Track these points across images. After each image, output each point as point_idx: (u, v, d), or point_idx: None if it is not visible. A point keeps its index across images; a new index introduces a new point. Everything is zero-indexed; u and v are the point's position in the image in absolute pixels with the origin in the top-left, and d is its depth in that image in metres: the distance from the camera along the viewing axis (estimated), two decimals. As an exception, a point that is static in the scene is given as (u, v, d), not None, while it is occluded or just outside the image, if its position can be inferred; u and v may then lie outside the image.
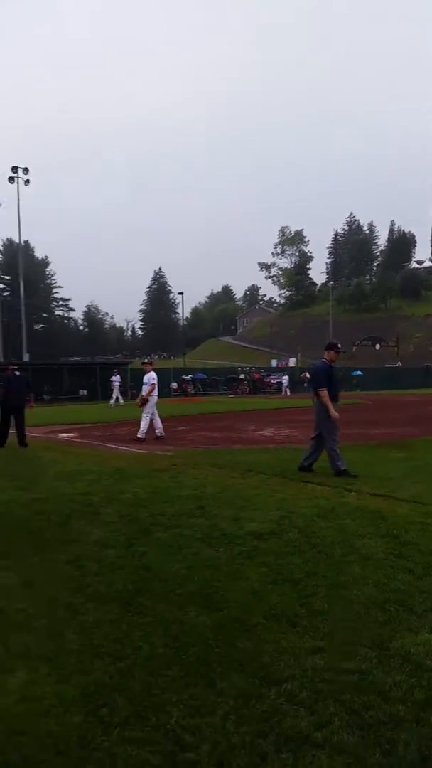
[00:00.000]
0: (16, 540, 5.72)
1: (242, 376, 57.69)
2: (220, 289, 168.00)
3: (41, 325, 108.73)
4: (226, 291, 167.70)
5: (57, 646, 3.51)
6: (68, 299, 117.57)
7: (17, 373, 14.16)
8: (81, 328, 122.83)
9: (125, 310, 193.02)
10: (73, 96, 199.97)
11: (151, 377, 14.58)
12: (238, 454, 11.68)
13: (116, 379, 35.77)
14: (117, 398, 34.94)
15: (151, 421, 14.46)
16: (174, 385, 50.67)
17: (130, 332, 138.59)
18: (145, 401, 14.35)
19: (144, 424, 14.31)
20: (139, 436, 14.17)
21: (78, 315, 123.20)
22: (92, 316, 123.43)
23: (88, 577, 4.65)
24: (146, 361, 16.15)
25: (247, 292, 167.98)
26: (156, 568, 4.80)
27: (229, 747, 2.53)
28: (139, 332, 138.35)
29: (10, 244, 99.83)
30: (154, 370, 15.18)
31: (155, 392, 14.56)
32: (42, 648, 3.48)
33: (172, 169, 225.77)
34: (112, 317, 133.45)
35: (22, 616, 3.95)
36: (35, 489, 8.21)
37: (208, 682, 3.06)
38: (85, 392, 46.40)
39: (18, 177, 54.41)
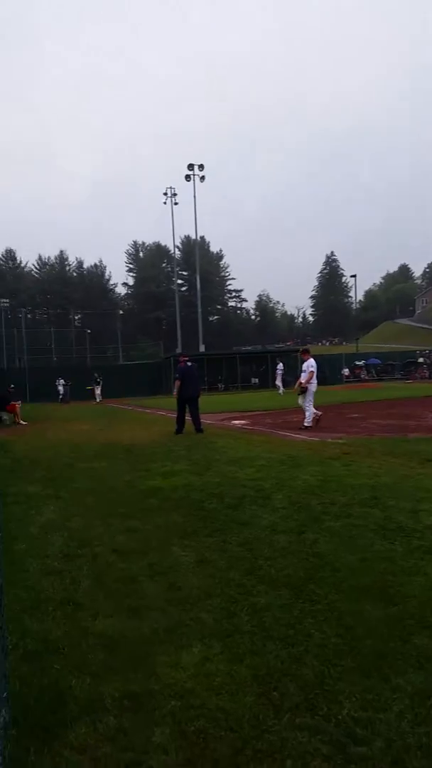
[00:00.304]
0: (193, 521, 6.02)
1: (421, 359, 54.64)
2: (396, 269, 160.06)
3: (215, 317, 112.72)
4: (403, 270, 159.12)
5: (230, 625, 3.62)
6: (240, 290, 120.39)
7: (189, 363, 14.99)
8: (253, 317, 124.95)
9: (296, 297, 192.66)
10: (241, 89, 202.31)
11: (309, 365, 14.31)
12: (416, 442, 11.06)
13: (280, 367, 35.94)
14: (279, 386, 35.09)
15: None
16: (346, 371, 49.61)
17: (300, 319, 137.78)
18: (304, 389, 14.21)
19: (309, 413, 14.20)
20: (305, 424, 14.09)
21: (250, 305, 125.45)
22: (263, 305, 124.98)
23: (260, 560, 4.74)
24: (302, 349, 15.91)
25: (427, 270, 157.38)
26: (328, 556, 4.74)
27: (404, 746, 2.41)
28: (310, 318, 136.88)
29: (187, 240, 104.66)
30: (316, 356, 14.94)
31: (314, 380, 14.35)
32: (215, 626, 3.62)
33: (342, 150, 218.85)
34: (283, 305, 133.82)
35: (197, 593, 4.14)
36: (209, 473, 8.57)
37: (382, 676, 2.95)
38: (256, 380, 47.35)
39: (194, 174, 56.80)
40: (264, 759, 2.41)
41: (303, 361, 14.80)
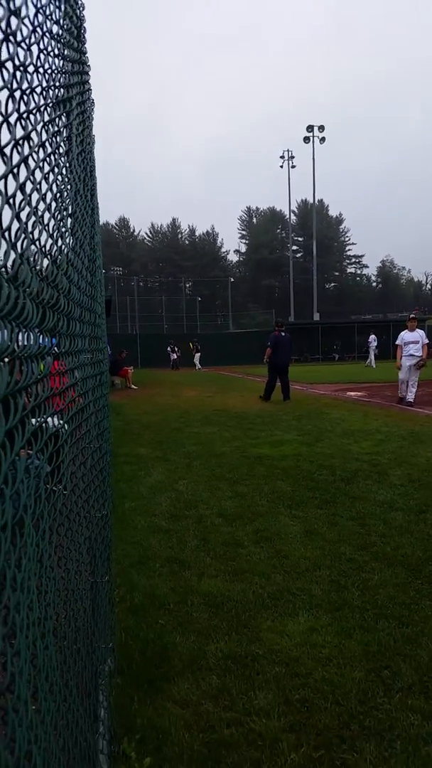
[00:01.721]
0: (302, 491, 5.91)
1: None
2: None
3: (332, 284, 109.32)
4: None
5: (339, 598, 3.50)
6: (361, 256, 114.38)
7: (283, 333, 15.09)
8: (374, 284, 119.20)
9: (425, 263, 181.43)
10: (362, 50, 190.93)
11: (422, 336, 13.06)
12: None
13: (372, 339, 34.16)
14: (370, 360, 33.41)
15: (406, 384, 13.22)
16: None
17: (429, 286, 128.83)
18: (423, 364, 12.96)
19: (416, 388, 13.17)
20: (411, 399, 13.11)
21: (371, 271, 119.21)
22: (387, 271, 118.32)
23: (373, 536, 4.55)
24: (412, 317, 14.18)
25: None
26: (451, 539, 4.46)
27: None
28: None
29: (304, 204, 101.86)
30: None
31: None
32: (324, 598, 3.52)
33: None
34: (409, 271, 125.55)
35: (305, 563, 4.05)
36: (321, 445, 8.38)
37: None
38: (376, 350, 45.54)
39: (314, 136, 55.08)
40: (371, 737, 2.31)
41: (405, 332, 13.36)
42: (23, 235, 0.84)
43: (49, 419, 1.27)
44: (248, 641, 3.04)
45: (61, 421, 1.52)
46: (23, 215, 0.84)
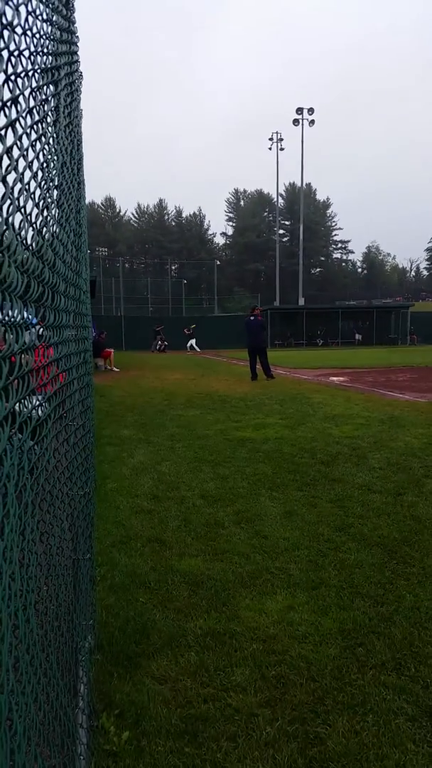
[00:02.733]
0: (282, 473, 5.96)
1: None
2: None
3: (318, 269, 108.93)
4: None
5: (316, 577, 3.56)
6: (347, 241, 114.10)
7: (251, 318, 16.54)
8: (359, 270, 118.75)
9: (409, 249, 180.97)
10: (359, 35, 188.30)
11: None
12: None
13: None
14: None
15: None
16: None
17: (413, 273, 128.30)
18: None
19: None
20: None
21: (357, 257, 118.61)
22: (372, 257, 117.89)
23: (351, 518, 4.61)
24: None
25: None
26: (427, 521, 4.52)
27: None
28: (424, 272, 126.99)
29: (292, 188, 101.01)
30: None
31: None
32: (301, 577, 3.57)
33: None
34: (394, 258, 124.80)
35: (284, 543, 4.10)
36: (302, 428, 8.43)
37: None
38: (359, 336, 45.65)
39: (303, 118, 54.60)
40: (344, 711, 2.36)
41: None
42: (8, 200, 0.83)
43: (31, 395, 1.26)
44: (227, 619, 3.08)
45: (40, 398, 1.51)
46: (9, 179, 0.83)
